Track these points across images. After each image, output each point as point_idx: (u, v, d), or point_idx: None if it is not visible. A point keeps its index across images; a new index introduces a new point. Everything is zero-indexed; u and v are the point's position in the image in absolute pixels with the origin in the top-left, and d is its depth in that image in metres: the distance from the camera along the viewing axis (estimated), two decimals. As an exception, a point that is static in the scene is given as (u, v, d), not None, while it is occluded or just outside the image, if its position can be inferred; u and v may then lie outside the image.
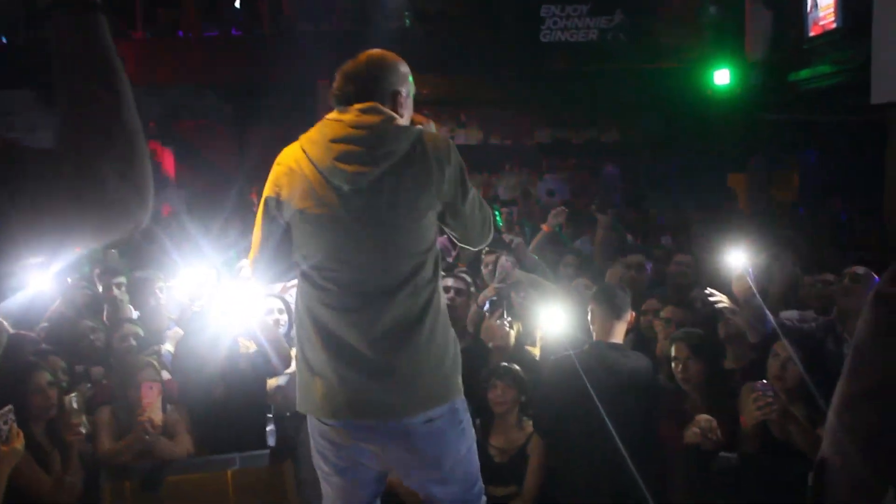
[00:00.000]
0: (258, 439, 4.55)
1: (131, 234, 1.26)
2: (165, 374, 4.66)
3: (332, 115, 2.80)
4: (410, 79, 2.93)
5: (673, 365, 4.46)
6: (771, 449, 4.09)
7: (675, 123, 13.24)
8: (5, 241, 1.09)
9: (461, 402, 2.88)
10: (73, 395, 3.96)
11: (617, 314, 4.34)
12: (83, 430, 3.95)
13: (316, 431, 2.90)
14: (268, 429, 4.87)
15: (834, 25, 10.55)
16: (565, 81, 13.21)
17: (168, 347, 5.27)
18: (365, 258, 2.70)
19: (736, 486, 3.95)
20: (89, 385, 4.62)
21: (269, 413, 4.84)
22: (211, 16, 14.57)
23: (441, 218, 2.83)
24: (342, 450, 2.85)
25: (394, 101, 2.83)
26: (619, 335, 4.38)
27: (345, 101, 2.79)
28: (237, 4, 14.81)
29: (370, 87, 2.79)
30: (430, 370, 2.74)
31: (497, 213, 9.90)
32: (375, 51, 2.92)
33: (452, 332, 2.88)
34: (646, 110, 13.39)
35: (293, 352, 5.29)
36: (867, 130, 10.61)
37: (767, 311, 4.70)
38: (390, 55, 2.91)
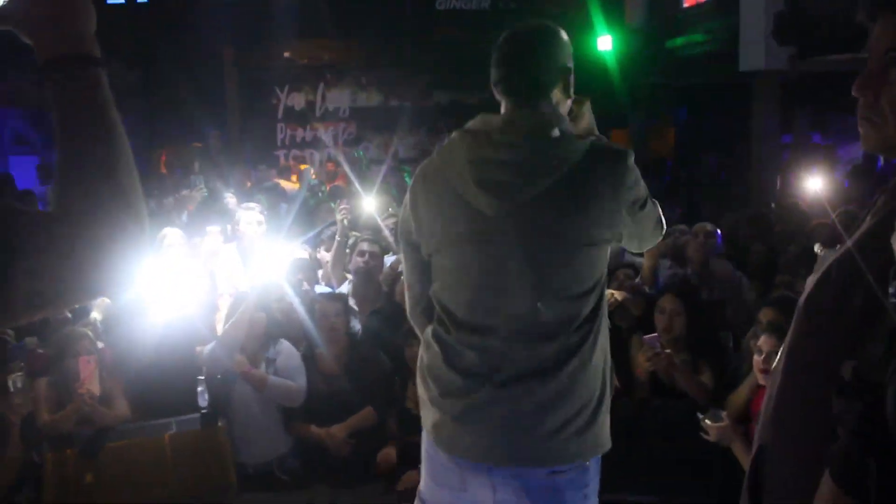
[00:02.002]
0: (191, 402, 4.53)
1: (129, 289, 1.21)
2: (99, 344, 4.62)
3: (476, 122, 2.21)
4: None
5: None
6: (660, 393, 4.34)
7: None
8: (4, 303, 1.03)
9: (594, 462, 2.24)
10: (16, 374, 3.89)
11: None
12: (24, 410, 3.90)
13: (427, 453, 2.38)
14: (199, 390, 4.87)
15: (705, -2, 10.89)
16: (459, 47, 13.24)
17: (96, 315, 5.20)
18: (508, 301, 2.14)
19: (632, 430, 4.16)
20: (22, 364, 4.52)
21: (201, 376, 4.84)
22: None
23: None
24: (449, 485, 2.30)
25: (564, 83, 2.22)
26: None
27: (507, 92, 2.21)
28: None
29: (537, 70, 2.18)
30: (562, 425, 2.14)
31: (407, 172, 9.91)
32: (533, 23, 2.27)
33: (605, 377, 2.24)
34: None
35: (218, 315, 5.32)
36: (735, 94, 10.98)
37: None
38: (550, 24, 2.26)
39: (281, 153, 13.53)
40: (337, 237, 5.73)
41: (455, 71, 13.32)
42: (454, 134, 2.23)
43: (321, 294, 5.39)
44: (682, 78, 12.45)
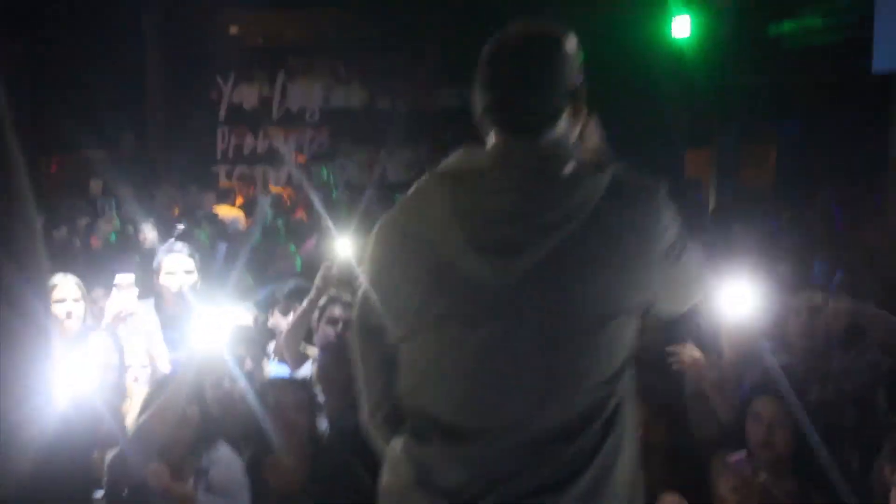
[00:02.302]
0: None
1: None
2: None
3: (456, 161, 2.33)
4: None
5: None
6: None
7: (622, 85, 13.33)
8: None
9: None
10: None
11: None
12: None
13: None
14: (95, 512, 4.84)
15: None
16: (480, 25, 13.23)
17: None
18: (512, 396, 2.21)
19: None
20: None
21: (99, 490, 4.80)
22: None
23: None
24: None
25: (575, 105, 2.34)
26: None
27: (500, 122, 2.32)
28: None
29: (539, 94, 2.30)
30: None
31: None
32: (531, 26, 2.39)
33: (633, 498, 2.34)
34: (585, 69, 13.38)
35: (128, 404, 5.30)
36: (867, 101, 11.01)
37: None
38: (549, 24, 2.39)
39: (221, 169, 13.62)
40: (308, 298, 5.65)
41: (472, 60, 13.39)
42: (424, 179, 2.32)
43: (275, 379, 5.39)
44: (792, 77, 12.43)
